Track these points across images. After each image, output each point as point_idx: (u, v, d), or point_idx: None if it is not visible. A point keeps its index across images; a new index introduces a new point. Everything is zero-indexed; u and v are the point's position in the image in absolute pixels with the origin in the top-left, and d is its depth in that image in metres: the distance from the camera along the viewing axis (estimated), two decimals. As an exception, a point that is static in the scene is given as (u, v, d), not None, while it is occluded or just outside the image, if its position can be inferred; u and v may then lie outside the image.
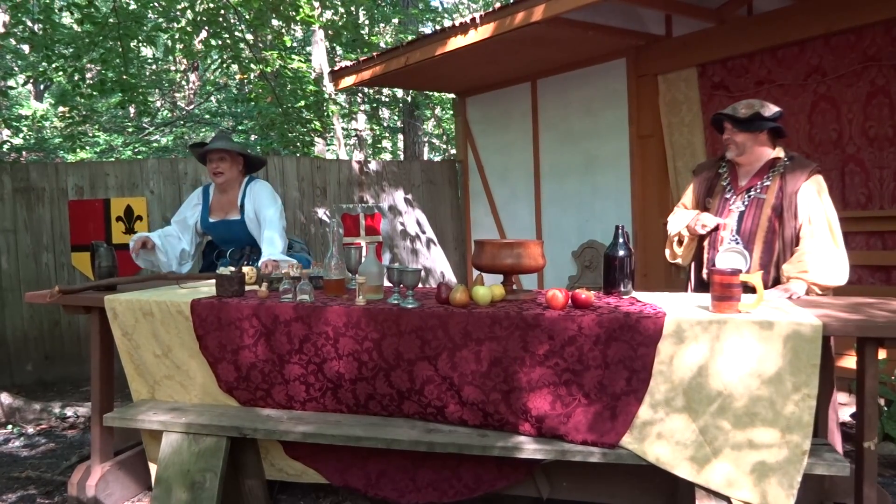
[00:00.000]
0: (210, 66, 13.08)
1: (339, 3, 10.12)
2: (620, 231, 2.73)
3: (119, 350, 2.93)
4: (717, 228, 2.94)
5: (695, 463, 2.24)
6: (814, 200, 2.76)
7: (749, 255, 2.80)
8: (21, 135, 11.32)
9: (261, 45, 9.52)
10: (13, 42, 8.36)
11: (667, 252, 3.20)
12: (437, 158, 15.48)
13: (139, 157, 12.42)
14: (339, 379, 2.64)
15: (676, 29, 5.25)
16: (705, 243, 3.01)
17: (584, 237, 6.09)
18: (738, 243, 2.84)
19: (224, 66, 8.98)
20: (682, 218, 3.08)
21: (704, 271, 3.00)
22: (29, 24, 8.15)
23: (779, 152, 2.92)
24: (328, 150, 11.39)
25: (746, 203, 2.88)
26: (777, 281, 2.82)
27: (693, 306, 2.44)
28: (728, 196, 2.95)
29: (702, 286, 3.02)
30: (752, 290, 2.34)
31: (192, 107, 14.70)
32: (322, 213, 6.37)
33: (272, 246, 3.50)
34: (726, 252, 2.83)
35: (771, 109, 2.88)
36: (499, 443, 2.40)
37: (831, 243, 2.71)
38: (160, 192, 5.77)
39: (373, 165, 6.86)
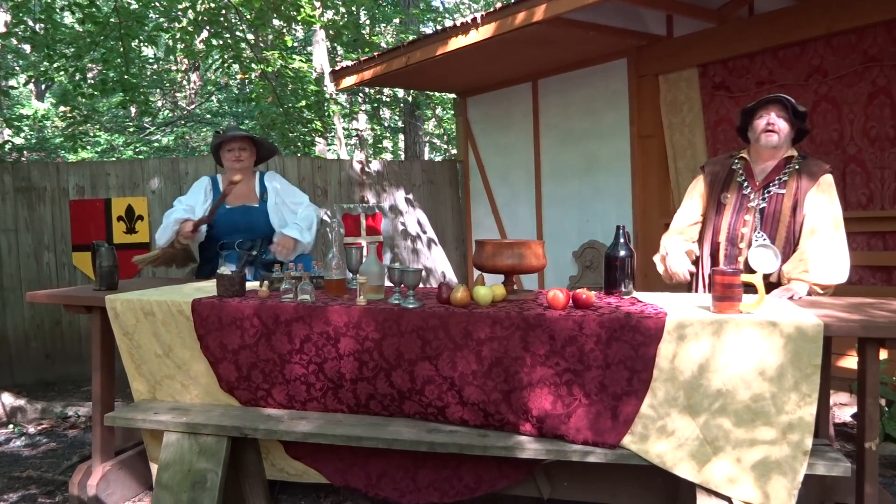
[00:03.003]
0: (211, 66, 13.09)
1: (340, 3, 10.12)
2: (621, 231, 2.73)
3: (120, 350, 2.93)
4: (714, 236, 2.94)
5: (695, 462, 2.24)
6: (822, 199, 2.76)
7: (779, 253, 2.78)
8: (22, 134, 11.33)
9: (262, 44, 9.52)
10: (14, 42, 8.37)
11: (659, 267, 3.14)
12: (438, 158, 15.48)
13: (140, 156, 12.43)
14: (340, 379, 2.64)
15: (677, 29, 5.24)
16: (720, 238, 2.95)
17: (584, 237, 6.09)
18: (765, 239, 2.81)
19: (225, 65, 9.00)
20: (673, 250, 3.04)
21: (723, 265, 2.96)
22: (30, 23, 8.15)
23: (792, 151, 2.92)
24: (329, 150, 11.39)
25: (766, 199, 2.86)
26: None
27: (694, 306, 2.44)
28: (746, 192, 2.92)
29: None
30: (754, 290, 2.35)
31: (193, 107, 14.71)
32: (323, 212, 6.37)
33: (301, 233, 3.54)
34: (757, 249, 2.80)
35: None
36: (499, 443, 2.40)
37: (833, 241, 2.71)
38: (161, 191, 5.78)
39: (374, 165, 6.86)
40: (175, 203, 3.65)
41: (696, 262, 3.08)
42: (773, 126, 2.83)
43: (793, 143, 2.95)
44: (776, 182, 2.85)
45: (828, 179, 2.80)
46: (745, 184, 2.93)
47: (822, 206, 2.75)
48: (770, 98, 2.91)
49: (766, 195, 2.86)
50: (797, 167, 2.84)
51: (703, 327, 2.24)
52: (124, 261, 3.70)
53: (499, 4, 4.95)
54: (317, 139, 9.96)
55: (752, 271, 2.70)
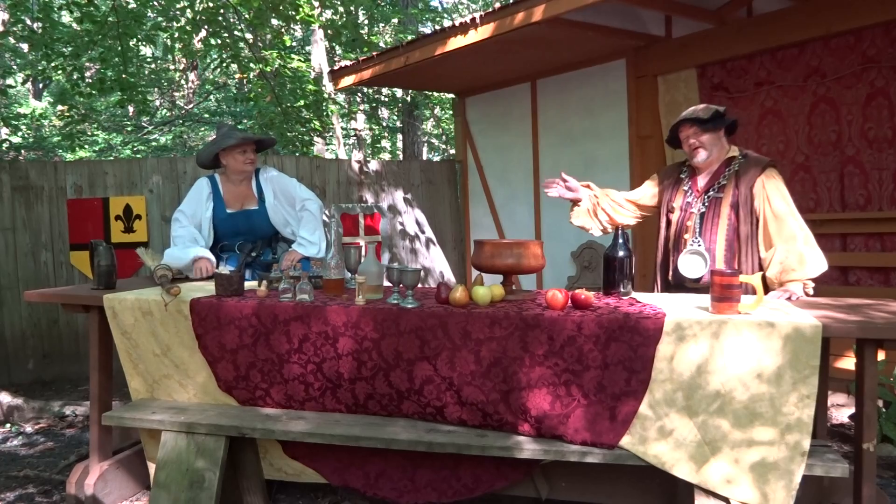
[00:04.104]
0: (209, 66, 13.07)
1: (339, 3, 10.12)
2: (620, 232, 2.74)
3: (118, 349, 2.93)
4: (664, 244, 3.03)
5: (693, 462, 2.24)
6: (773, 196, 2.79)
7: (710, 256, 2.84)
8: (20, 133, 11.31)
9: (260, 44, 9.52)
10: (12, 40, 8.36)
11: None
12: (437, 158, 15.48)
13: (138, 156, 12.41)
14: (339, 379, 2.64)
15: (676, 30, 5.25)
16: (671, 246, 3.05)
17: (583, 238, 6.09)
18: (700, 245, 2.87)
19: (223, 65, 8.99)
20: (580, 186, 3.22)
21: (671, 274, 3.02)
22: (28, 22, 8.15)
23: (734, 151, 2.97)
24: (327, 149, 11.39)
25: (706, 204, 2.91)
26: None
27: (692, 307, 2.44)
28: (689, 199, 2.99)
29: (668, 290, 3.05)
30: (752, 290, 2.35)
31: (191, 106, 14.69)
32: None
33: (307, 249, 3.49)
34: (687, 255, 2.87)
35: (721, 107, 2.94)
36: (498, 443, 2.40)
37: (800, 233, 2.74)
38: (159, 191, 5.77)
39: (372, 165, 6.86)
40: (177, 215, 3.49)
41: (594, 210, 3.21)
42: (694, 144, 2.93)
43: (728, 135, 2.97)
44: (715, 186, 2.91)
45: (771, 173, 2.84)
46: (689, 191, 3.01)
47: (780, 206, 2.78)
48: (679, 122, 2.99)
49: (707, 200, 2.92)
50: (736, 169, 2.88)
51: (702, 328, 2.24)
52: (122, 260, 3.68)
53: (497, 4, 4.94)
54: (315, 139, 9.97)
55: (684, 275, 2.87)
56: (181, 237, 3.46)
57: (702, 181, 2.98)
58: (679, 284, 2.95)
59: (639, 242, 5.47)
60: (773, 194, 2.79)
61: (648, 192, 3.20)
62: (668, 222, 3.07)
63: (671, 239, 3.04)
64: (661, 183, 3.15)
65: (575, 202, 3.24)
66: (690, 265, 2.86)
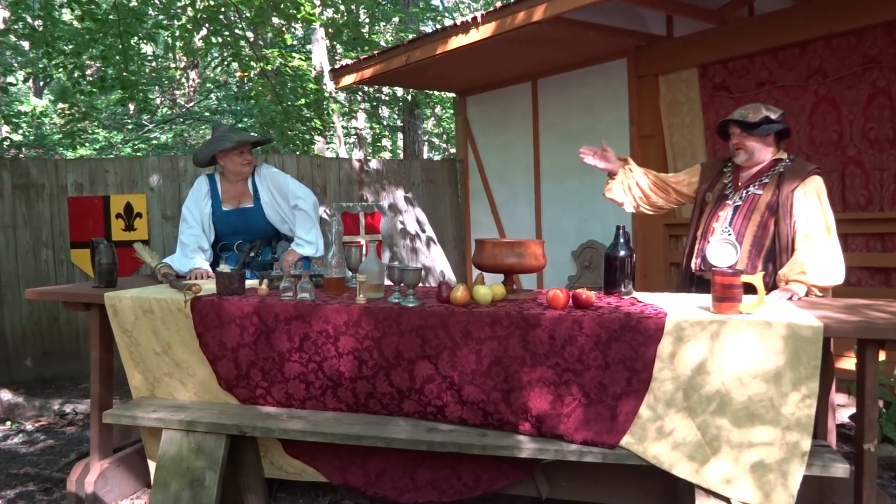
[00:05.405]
0: (210, 64, 13.08)
1: (340, 2, 10.12)
2: (621, 231, 2.73)
3: (119, 347, 2.93)
4: (693, 231, 2.99)
5: (694, 462, 2.25)
6: (811, 201, 2.77)
7: (739, 247, 2.82)
8: (21, 131, 11.31)
9: (261, 42, 9.52)
10: (13, 38, 8.36)
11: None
12: (437, 157, 15.48)
13: (139, 154, 12.41)
14: (340, 377, 2.64)
15: (677, 29, 5.24)
16: (698, 233, 3.03)
17: (583, 237, 6.09)
18: (730, 235, 2.86)
19: (224, 63, 9.00)
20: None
21: (694, 262, 3.01)
22: (29, 20, 8.14)
23: (781, 154, 2.94)
24: (328, 148, 11.39)
25: (743, 198, 2.90)
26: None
27: (693, 307, 2.44)
28: (727, 193, 2.97)
29: (690, 278, 3.05)
30: (753, 290, 2.35)
31: (191, 104, 14.68)
32: (322, 211, 6.37)
33: (304, 249, 3.51)
34: (718, 242, 2.86)
35: (776, 111, 2.90)
36: (498, 442, 2.40)
37: (827, 244, 2.72)
38: (160, 189, 5.77)
39: (373, 164, 6.86)
40: (184, 213, 3.53)
41: (626, 184, 3.19)
42: (737, 145, 2.93)
43: (779, 140, 2.96)
44: (756, 184, 2.90)
45: (816, 181, 2.81)
46: (728, 184, 3.00)
47: (814, 211, 2.76)
48: (726, 121, 2.99)
49: (745, 194, 2.90)
50: (781, 170, 2.86)
51: (703, 328, 2.24)
52: (123, 258, 3.67)
53: (499, 4, 4.94)
54: (316, 137, 9.96)
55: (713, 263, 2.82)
56: (186, 245, 3.51)
57: (743, 179, 2.96)
58: (701, 275, 2.94)
59: (639, 242, 5.47)
60: (809, 201, 2.76)
61: (688, 179, 3.19)
62: (701, 212, 3.06)
63: (700, 227, 3.03)
64: (703, 174, 3.14)
65: (610, 174, 3.22)
66: (720, 253, 2.83)
